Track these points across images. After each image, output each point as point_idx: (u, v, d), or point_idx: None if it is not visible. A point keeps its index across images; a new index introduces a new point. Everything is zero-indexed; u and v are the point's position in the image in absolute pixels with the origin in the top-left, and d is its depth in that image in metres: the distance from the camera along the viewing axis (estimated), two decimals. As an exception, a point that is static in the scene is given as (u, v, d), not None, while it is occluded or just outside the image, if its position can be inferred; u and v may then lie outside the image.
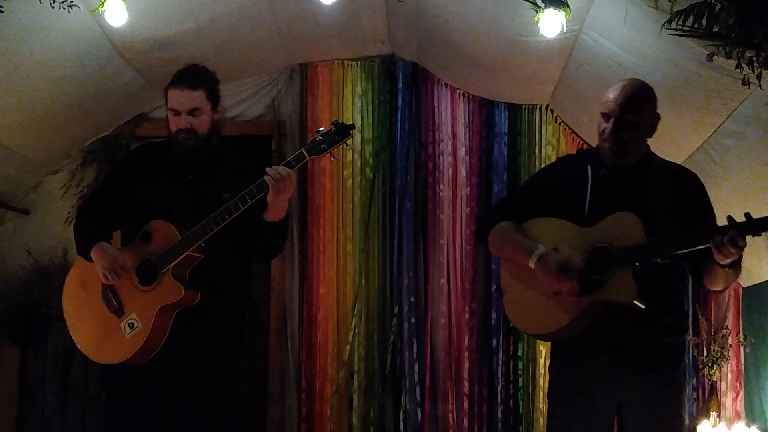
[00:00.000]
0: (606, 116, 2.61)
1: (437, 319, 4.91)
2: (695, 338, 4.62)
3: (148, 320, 2.87)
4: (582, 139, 4.80)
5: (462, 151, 4.96)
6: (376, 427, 4.85)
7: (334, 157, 2.89)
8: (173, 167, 3.03)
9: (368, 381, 4.89)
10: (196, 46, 4.25)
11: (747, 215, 2.31)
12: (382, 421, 4.86)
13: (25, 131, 4.38)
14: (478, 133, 4.99)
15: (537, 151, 4.90)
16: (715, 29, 2.95)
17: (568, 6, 3.37)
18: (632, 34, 3.46)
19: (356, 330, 4.90)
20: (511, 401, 4.83)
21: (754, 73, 2.98)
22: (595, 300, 2.51)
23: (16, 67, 3.83)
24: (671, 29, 3.06)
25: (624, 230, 2.50)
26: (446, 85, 4.99)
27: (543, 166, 4.75)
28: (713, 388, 4.54)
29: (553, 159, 4.77)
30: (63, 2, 3.36)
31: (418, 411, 4.82)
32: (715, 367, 4.52)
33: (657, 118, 2.65)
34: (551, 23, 3.42)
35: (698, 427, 4.39)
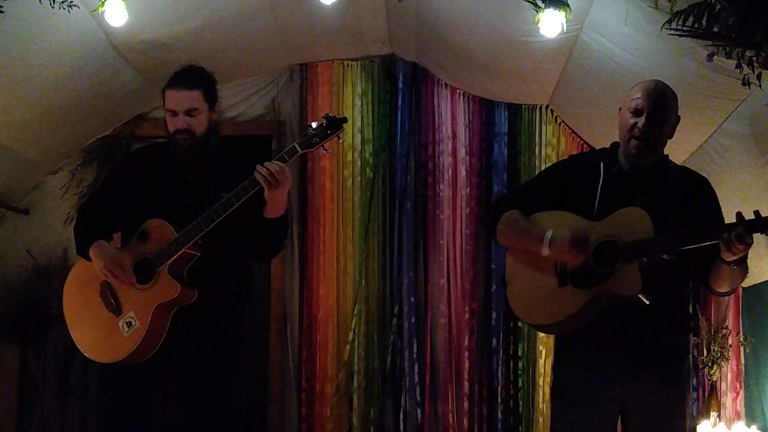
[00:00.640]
0: (637, 112, 2.59)
1: (437, 319, 4.91)
2: (695, 338, 4.61)
3: (146, 318, 2.88)
4: (582, 139, 4.80)
5: (462, 151, 4.96)
6: (376, 427, 4.85)
7: (326, 150, 2.89)
8: (172, 168, 3.04)
9: (368, 381, 4.89)
10: (196, 46, 4.25)
11: (756, 213, 2.32)
12: (382, 421, 4.86)
13: (25, 131, 4.38)
14: (478, 133, 4.99)
15: (537, 151, 4.89)
16: (715, 29, 2.95)
17: (568, 6, 3.37)
18: (632, 34, 3.46)
19: (356, 330, 4.90)
20: (511, 401, 4.83)
21: (754, 73, 2.98)
22: (600, 292, 2.51)
23: (16, 67, 3.83)
24: (671, 29, 3.06)
25: (632, 225, 2.51)
26: (446, 85, 4.99)
27: (543, 166, 4.75)
28: (713, 388, 4.53)
29: (553, 159, 4.78)
30: (63, 2, 3.36)
31: (418, 411, 4.82)
32: (715, 367, 4.52)
33: (678, 119, 2.66)
34: (551, 23, 3.42)
35: (698, 427, 4.39)
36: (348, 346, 4.88)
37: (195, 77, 3.02)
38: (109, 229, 3.12)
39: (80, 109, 4.53)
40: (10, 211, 4.91)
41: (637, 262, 2.47)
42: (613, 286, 2.50)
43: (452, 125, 4.98)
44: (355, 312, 4.90)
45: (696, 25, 2.98)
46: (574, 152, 4.77)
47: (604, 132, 3.71)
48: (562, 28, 3.45)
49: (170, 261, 2.88)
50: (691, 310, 4.65)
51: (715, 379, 4.54)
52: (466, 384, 4.85)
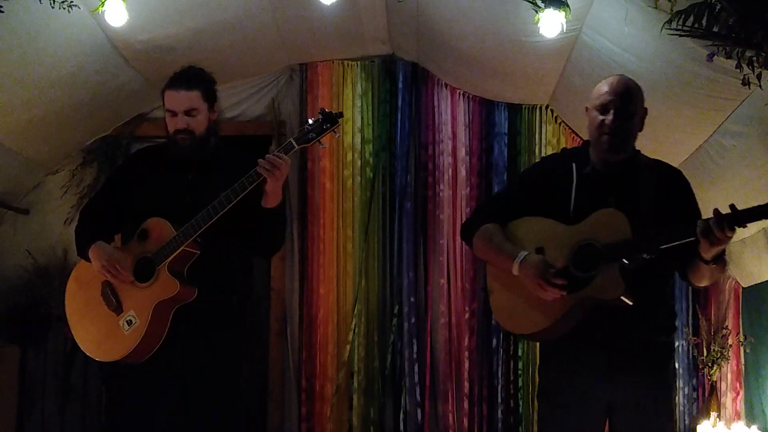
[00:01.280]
0: (604, 108, 2.60)
1: (437, 319, 4.91)
2: (695, 338, 4.62)
3: (146, 316, 2.89)
4: (582, 139, 4.80)
5: (462, 151, 4.96)
6: (376, 427, 4.85)
7: (322, 145, 2.91)
8: (172, 168, 3.05)
9: (368, 381, 4.89)
10: (196, 46, 4.25)
11: (732, 206, 2.31)
12: (382, 421, 4.86)
13: (25, 131, 4.38)
14: (478, 133, 4.99)
15: (537, 151, 4.89)
16: (715, 29, 2.95)
17: (568, 6, 3.37)
18: (632, 34, 3.46)
19: (356, 330, 4.90)
20: (511, 401, 4.83)
21: (754, 73, 2.97)
22: (582, 297, 2.50)
23: (15, 67, 3.83)
24: (671, 29, 3.06)
25: (609, 226, 2.50)
26: (446, 85, 4.99)
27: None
28: (713, 388, 4.54)
29: (554, 159, 4.78)
30: (63, 2, 3.36)
31: (418, 411, 4.82)
32: (715, 367, 4.52)
33: (645, 111, 2.67)
34: (551, 23, 3.42)
35: (698, 427, 4.39)
36: (348, 346, 4.88)
37: (194, 77, 3.03)
38: (110, 231, 3.14)
39: (80, 109, 4.53)
40: (10, 211, 4.91)
41: (618, 264, 2.46)
42: (595, 290, 2.48)
43: (452, 125, 4.98)
44: (355, 312, 4.90)
45: (696, 25, 2.98)
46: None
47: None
48: (562, 28, 3.45)
49: (170, 259, 2.89)
50: (689, 310, 4.70)
51: (715, 379, 4.54)
52: (466, 384, 4.84)
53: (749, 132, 3.58)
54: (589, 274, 2.50)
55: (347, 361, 4.87)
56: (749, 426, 4.29)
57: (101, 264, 2.94)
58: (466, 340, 4.86)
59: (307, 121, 2.88)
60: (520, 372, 4.82)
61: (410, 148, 5.01)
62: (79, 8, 3.51)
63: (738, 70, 3.01)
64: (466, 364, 4.85)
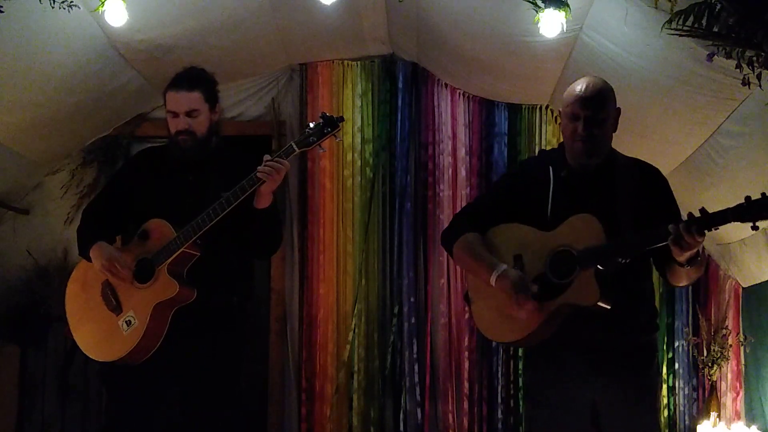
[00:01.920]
0: (574, 117, 2.59)
1: (437, 319, 4.91)
2: (695, 338, 4.62)
3: (145, 317, 2.89)
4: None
5: (462, 151, 4.96)
6: (376, 427, 4.84)
7: (322, 149, 2.93)
8: (173, 169, 3.06)
9: (368, 381, 4.89)
10: (196, 45, 4.25)
11: (702, 210, 2.32)
12: (382, 421, 4.86)
13: (25, 131, 4.38)
14: (478, 133, 4.99)
15: (537, 151, 4.89)
16: (715, 29, 2.95)
17: (568, 6, 3.37)
18: (632, 34, 3.46)
19: (356, 330, 4.90)
20: (511, 401, 4.83)
21: (754, 73, 2.97)
22: (559, 304, 2.51)
23: (15, 67, 3.82)
24: (671, 29, 3.06)
25: (584, 232, 2.50)
26: (446, 85, 4.99)
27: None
28: (713, 388, 4.54)
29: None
30: (63, 2, 3.36)
31: (418, 411, 4.82)
32: (715, 367, 4.52)
33: (619, 111, 2.65)
34: (551, 23, 3.42)
35: (698, 427, 4.39)
36: (348, 346, 4.88)
37: (195, 78, 3.04)
38: (112, 231, 3.15)
39: (80, 109, 4.53)
40: (10, 211, 4.91)
41: (593, 270, 2.47)
42: (572, 296, 2.49)
43: (452, 125, 4.98)
44: (355, 312, 4.89)
45: (696, 25, 2.98)
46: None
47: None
48: (562, 28, 3.45)
49: (170, 260, 2.90)
50: (689, 310, 4.69)
51: (715, 379, 4.54)
52: (466, 384, 4.84)
53: (749, 132, 3.57)
54: (566, 280, 2.51)
55: (347, 361, 4.87)
56: (749, 426, 4.29)
57: (102, 263, 2.94)
58: (466, 340, 4.86)
59: (308, 125, 2.89)
60: (520, 372, 4.82)
61: (410, 148, 5.01)
62: (79, 8, 3.50)
63: (738, 70, 3.01)
64: (466, 364, 4.85)
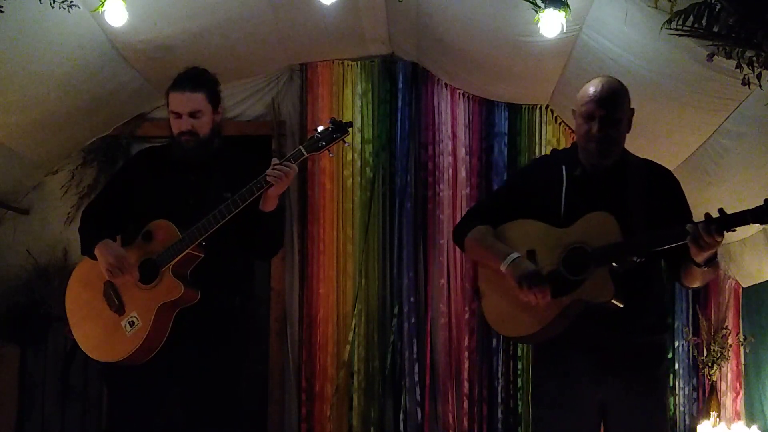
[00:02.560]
0: (589, 116, 2.59)
1: (437, 319, 4.91)
2: (695, 338, 4.62)
3: (148, 318, 2.89)
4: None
5: (462, 151, 4.96)
6: (376, 427, 4.84)
7: (331, 154, 2.93)
8: (175, 169, 3.06)
9: (368, 381, 4.89)
10: (196, 46, 4.25)
11: (720, 210, 2.32)
12: (382, 421, 4.86)
13: (25, 131, 4.38)
14: (478, 133, 4.99)
15: (537, 151, 4.89)
16: (715, 29, 2.95)
17: (568, 6, 3.37)
18: (632, 34, 3.46)
19: (356, 330, 4.90)
20: (511, 401, 4.83)
21: (754, 73, 2.97)
22: (573, 300, 2.51)
23: (15, 67, 3.82)
24: (671, 29, 3.06)
25: (599, 229, 2.51)
26: (446, 85, 4.99)
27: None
28: (713, 388, 4.54)
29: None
30: (63, 2, 3.35)
31: (418, 411, 4.82)
32: (715, 367, 4.52)
33: (632, 112, 2.65)
34: (551, 23, 3.42)
35: (698, 427, 4.39)
36: (348, 346, 4.88)
37: (198, 79, 3.04)
38: (112, 231, 3.13)
39: (80, 109, 4.53)
40: (10, 211, 4.91)
41: (608, 267, 2.47)
42: (586, 293, 2.49)
43: (452, 125, 4.98)
44: (355, 312, 4.90)
45: (696, 25, 2.98)
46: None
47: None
48: (562, 28, 3.45)
49: (174, 261, 2.89)
50: (689, 310, 4.69)
51: (715, 379, 4.54)
52: (466, 384, 4.84)
53: (749, 132, 3.58)
54: (579, 277, 2.51)
55: (347, 361, 4.87)
56: (749, 426, 4.29)
57: (109, 261, 2.93)
58: (466, 340, 4.86)
59: (316, 129, 2.89)
60: (520, 372, 4.82)
61: (410, 148, 5.01)
62: (79, 8, 3.50)
63: (738, 70, 3.01)
64: (466, 364, 4.85)
